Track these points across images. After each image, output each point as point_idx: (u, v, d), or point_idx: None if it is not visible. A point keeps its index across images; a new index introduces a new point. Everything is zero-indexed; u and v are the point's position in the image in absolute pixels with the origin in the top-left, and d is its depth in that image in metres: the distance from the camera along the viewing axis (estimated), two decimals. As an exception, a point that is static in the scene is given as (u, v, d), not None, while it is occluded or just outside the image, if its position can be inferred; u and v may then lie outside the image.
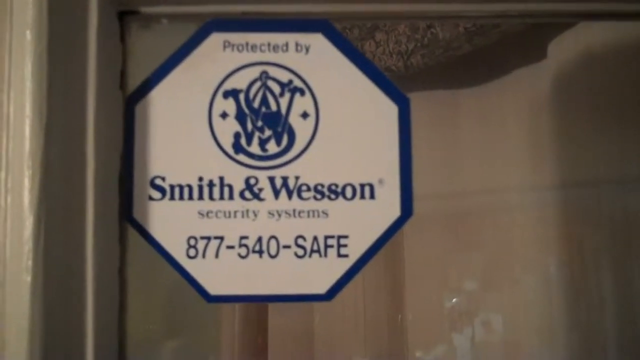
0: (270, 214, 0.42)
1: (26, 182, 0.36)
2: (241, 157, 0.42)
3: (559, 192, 0.91)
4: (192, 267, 0.41)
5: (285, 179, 0.42)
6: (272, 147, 0.42)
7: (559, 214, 0.91)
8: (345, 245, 0.42)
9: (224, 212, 0.41)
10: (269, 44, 0.42)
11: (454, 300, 0.99)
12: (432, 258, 1.00)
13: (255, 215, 0.42)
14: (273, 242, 0.41)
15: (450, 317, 0.99)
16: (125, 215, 0.41)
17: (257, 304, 0.98)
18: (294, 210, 0.42)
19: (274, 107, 0.42)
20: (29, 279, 0.35)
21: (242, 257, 0.41)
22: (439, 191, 0.97)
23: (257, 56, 0.42)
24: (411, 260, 1.01)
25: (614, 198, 0.87)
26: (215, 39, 0.42)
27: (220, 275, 0.41)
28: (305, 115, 0.42)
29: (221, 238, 0.41)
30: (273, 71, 0.42)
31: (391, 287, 1.04)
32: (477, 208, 0.98)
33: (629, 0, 0.42)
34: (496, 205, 0.96)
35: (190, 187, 0.41)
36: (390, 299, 1.04)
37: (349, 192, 0.42)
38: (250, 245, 0.41)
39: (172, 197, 0.41)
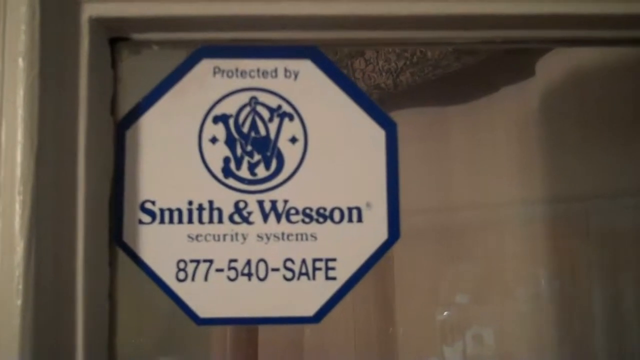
0: (259, 237, 0.42)
1: (17, 208, 0.36)
2: (230, 181, 0.42)
3: (548, 207, 0.92)
4: (182, 290, 0.42)
5: (274, 203, 0.42)
6: (261, 172, 0.43)
7: (547, 228, 0.92)
8: (333, 268, 0.42)
9: (214, 236, 0.42)
10: (258, 70, 0.43)
11: (445, 314, 0.99)
12: (422, 272, 1.01)
13: (244, 238, 0.42)
14: (262, 265, 0.42)
15: (441, 331, 0.99)
16: (116, 239, 0.42)
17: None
18: (283, 234, 0.42)
19: (263, 132, 0.43)
20: (19, 302, 0.36)
21: (231, 280, 0.42)
22: (428, 206, 0.97)
23: (246, 82, 0.43)
24: (401, 274, 1.02)
25: (602, 213, 0.88)
26: (206, 65, 0.43)
27: (209, 298, 0.42)
28: (294, 140, 0.43)
29: (210, 261, 0.42)
30: (262, 97, 0.43)
31: (381, 301, 1.04)
32: (466, 223, 0.98)
33: (610, 28, 0.43)
34: (485, 220, 0.97)
35: (180, 211, 0.42)
36: (380, 313, 1.04)
37: (337, 215, 0.43)
38: (239, 268, 0.42)
39: (162, 221, 0.42)
